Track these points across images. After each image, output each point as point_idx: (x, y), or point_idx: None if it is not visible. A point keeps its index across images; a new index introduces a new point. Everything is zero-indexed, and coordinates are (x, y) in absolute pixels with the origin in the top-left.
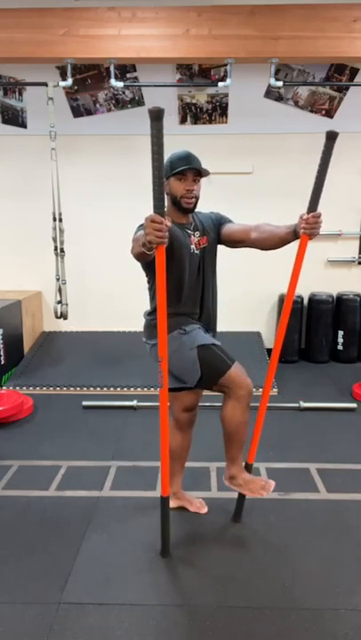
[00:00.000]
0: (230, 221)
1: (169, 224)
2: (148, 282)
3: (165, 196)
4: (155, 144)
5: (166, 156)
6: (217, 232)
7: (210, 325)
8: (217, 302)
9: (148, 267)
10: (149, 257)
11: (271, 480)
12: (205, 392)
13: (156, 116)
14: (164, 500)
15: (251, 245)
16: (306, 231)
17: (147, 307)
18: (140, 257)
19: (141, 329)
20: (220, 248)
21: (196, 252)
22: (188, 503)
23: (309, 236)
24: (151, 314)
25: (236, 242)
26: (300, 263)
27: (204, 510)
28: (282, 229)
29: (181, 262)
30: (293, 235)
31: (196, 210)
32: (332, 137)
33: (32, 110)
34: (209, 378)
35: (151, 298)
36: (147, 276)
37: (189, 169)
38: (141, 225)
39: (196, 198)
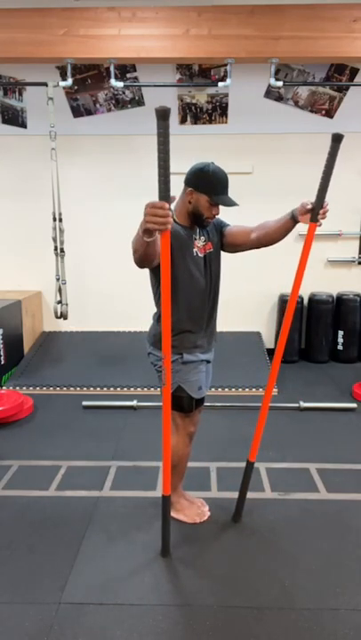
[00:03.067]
0: (229, 225)
1: (170, 207)
2: (153, 287)
3: (188, 204)
4: (161, 143)
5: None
6: (219, 236)
7: (212, 336)
8: (216, 316)
9: (155, 270)
10: (152, 250)
11: (207, 509)
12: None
13: (163, 115)
14: (165, 499)
15: (253, 246)
16: (313, 219)
17: (146, 307)
18: (143, 253)
19: (141, 329)
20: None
21: (200, 255)
22: (186, 509)
23: (316, 223)
24: (159, 320)
25: (237, 245)
26: (307, 253)
27: (202, 519)
28: (280, 219)
29: (184, 264)
30: (293, 220)
31: None
32: (337, 139)
33: (32, 110)
34: (174, 405)
35: (157, 304)
36: (152, 283)
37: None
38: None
39: None
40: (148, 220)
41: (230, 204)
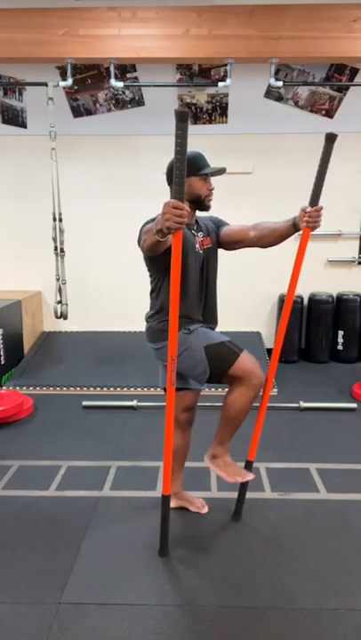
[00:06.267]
0: (228, 224)
1: (188, 209)
2: (153, 281)
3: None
4: (178, 145)
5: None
6: (217, 234)
7: (212, 324)
8: (217, 305)
9: (155, 263)
10: (163, 246)
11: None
12: (205, 392)
13: (182, 117)
14: (165, 499)
15: (251, 244)
16: (309, 225)
17: (145, 307)
18: (153, 248)
19: (142, 329)
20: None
21: (200, 251)
22: (188, 503)
23: (311, 228)
24: (154, 315)
25: (235, 242)
26: (301, 256)
27: (205, 510)
28: (281, 224)
29: (187, 260)
30: (294, 227)
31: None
32: (330, 139)
33: (32, 110)
34: (219, 372)
35: (155, 297)
36: (151, 275)
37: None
38: (149, 221)
39: None
40: (167, 219)
41: (219, 170)
